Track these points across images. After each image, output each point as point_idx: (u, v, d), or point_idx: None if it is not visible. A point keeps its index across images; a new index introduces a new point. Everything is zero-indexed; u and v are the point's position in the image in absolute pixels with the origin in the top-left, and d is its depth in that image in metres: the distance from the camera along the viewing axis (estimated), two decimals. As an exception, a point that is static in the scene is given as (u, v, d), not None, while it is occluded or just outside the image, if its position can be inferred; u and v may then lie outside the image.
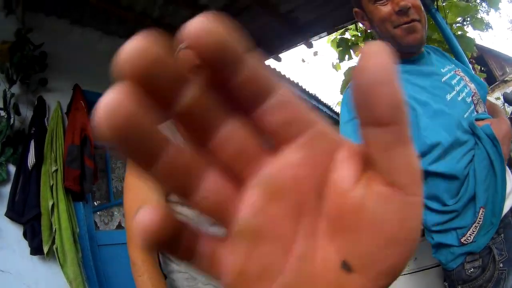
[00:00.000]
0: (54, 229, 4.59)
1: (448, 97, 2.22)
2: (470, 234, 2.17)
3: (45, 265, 4.59)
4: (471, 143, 2.16)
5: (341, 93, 7.87)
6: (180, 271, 2.17)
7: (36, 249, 4.51)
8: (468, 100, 2.29)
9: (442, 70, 2.36)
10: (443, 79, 2.30)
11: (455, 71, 2.40)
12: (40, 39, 5.22)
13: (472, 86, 2.42)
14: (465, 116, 2.20)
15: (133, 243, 2.08)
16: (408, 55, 2.30)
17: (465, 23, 8.57)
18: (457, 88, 2.30)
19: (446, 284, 2.49)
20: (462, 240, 2.19)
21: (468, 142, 2.15)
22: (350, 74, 7.51)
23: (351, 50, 7.84)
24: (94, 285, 5.02)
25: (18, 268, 4.41)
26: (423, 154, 2.10)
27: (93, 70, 6.05)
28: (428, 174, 2.12)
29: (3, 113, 4.73)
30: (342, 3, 6.70)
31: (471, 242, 2.18)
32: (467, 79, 2.44)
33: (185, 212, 1.92)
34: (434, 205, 2.19)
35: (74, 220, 4.86)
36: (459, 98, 2.26)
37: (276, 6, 6.54)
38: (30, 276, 4.46)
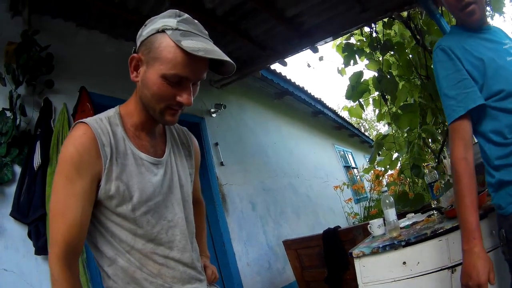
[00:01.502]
0: (59, 230, 4.60)
1: (508, 59, 2.71)
2: None
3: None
4: None
5: (346, 98, 7.88)
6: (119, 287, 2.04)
7: (40, 249, 4.52)
8: None
9: (504, 41, 2.87)
10: (504, 47, 2.80)
11: None
12: (47, 41, 5.26)
13: None
14: None
15: (52, 252, 1.87)
16: (477, 27, 2.91)
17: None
18: None
19: (503, 230, 2.62)
20: None
21: None
22: (355, 79, 7.53)
23: (356, 55, 7.84)
24: (98, 285, 5.02)
25: (22, 267, 4.44)
26: (489, 96, 2.65)
27: (100, 72, 6.10)
28: (492, 109, 2.66)
29: (9, 114, 4.76)
30: (347, 8, 6.74)
31: None
32: None
33: (123, 210, 1.99)
34: (496, 138, 2.61)
35: (79, 220, 4.87)
36: None
37: (282, 10, 6.57)
38: (34, 276, 4.49)
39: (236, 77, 8.86)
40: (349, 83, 7.65)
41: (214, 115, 8.63)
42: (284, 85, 11.17)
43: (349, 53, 7.80)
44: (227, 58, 2.00)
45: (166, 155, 2.28)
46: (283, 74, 10.85)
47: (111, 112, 2.19)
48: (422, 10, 6.99)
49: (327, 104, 14.97)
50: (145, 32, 2.06)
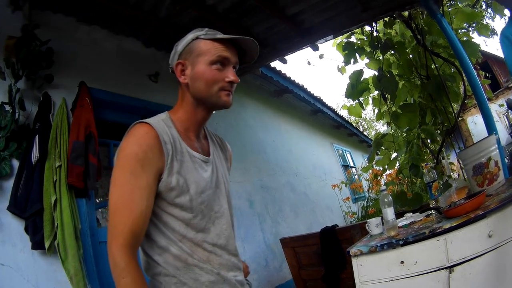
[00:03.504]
0: (56, 225, 4.61)
1: None
2: None
3: (45, 260, 4.62)
4: None
5: (346, 97, 7.89)
6: (167, 274, 2.20)
7: (37, 244, 4.53)
8: None
9: None
10: None
11: None
12: (47, 35, 5.27)
13: None
14: None
15: (117, 243, 2.00)
16: None
17: (470, 29, 8.57)
18: None
19: None
20: None
21: None
22: (355, 77, 7.54)
23: (356, 54, 7.84)
24: (94, 281, 5.04)
25: (18, 262, 4.44)
26: None
27: (99, 68, 6.11)
28: None
29: (8, 108, 4.75)
30: (349, 7, 6.73)
31: None
32: None
33: (182, 201, 2.23)
34: None
35: (77, 216, 4.88)
36: None
37: (283, 8, 6.56)
38: (31, 271, 4.49)
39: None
40: (349, 81, 7.66)
41: (213, 112, 8.58)
42: (283, 83, 11.20)
43: (350, 51, 7.80)
44: (250, 38, 2.40)
45: (211, 155, 2.56)
46: (282, 72, 10.87)
47: (163, 115, 2.45)
48: (423, 10, 6.99)
49: (326, 103, 14.99)
50: (180, 46, 2.44)
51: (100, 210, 5.89)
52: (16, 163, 4.80)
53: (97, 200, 6.05)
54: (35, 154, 4.73)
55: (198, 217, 2.27)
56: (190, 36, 2.41)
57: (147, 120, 2.31)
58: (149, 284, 2.17)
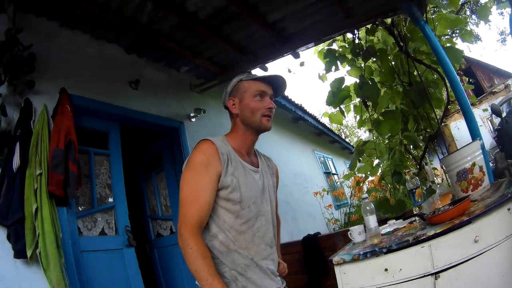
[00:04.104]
0: (37, 233, 4.56)
1: None
2: None
3: (28, 269, 4.57)
4: None
5: (327, 104, 7.86)
6: (213, 256, 2.77)
7: (19, 253, 4.48)
8: None
9: None
10: None
11: None
12: (29, 39, 5.22)
13: None
14: None
15: (186, 225, 2.68)
16: None
17: (454, 35, 8.59)
18: None
19: None
20: None
21: None
22: (336, 85, 7.52)
23: (338, 61, 7.83)
24: (73, 274, 5.01)
25: (1, 270, 4.38)
26: None
27: (80, 74, 6.07)
28: None
29: (-11, 114, 4.68)
30: (331, 14, 6.73)
31: None
32: None
33: (234, 196, 2.89)
34: None
35: (58, 225, 4.83)
36: None
37: (264, 15, 6.55)
38: (13, 280, 4.43)
39: (216, 81, 8.81)
40: (330, 89, 7.64)
41: (193, 119, 8.59)
42: (264, 91, 11.00)
43: (331, 59, 7.80)
44: (280, 76, 3.20)
45: (260, 167, 3.27)
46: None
47: (220, 137, 3.16)
48: (406, 17, 6.99)
49: (307, 110, 14.97)
50: (229, 87, 3.25)
51: (81, 219, 5.82)
52: (-3, 170, 4.72)
53: (79, 208, 5.98)
54: (16, 161, 4.69)
55: (245, 210, 2.91)
56: (235, 80, 3.23)
57: (209, 138, 3.02)
58: None
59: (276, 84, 3.25)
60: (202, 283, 2.56)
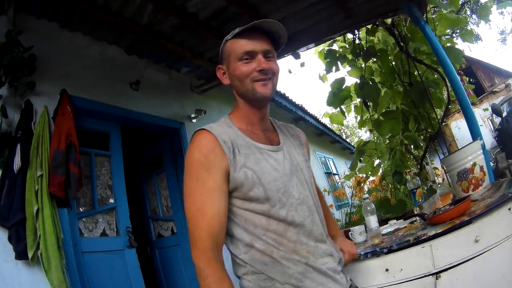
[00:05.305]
0: (38, 235, 4.56)
1: None
2: None
3: (29, 270, 4.57)
4: None
5: (327, 105, 7.85)
6: (255, 272, 2.25)
7: (21, 254, 4.48)
8: None
9: None
10: None
11: None
12: (30, 41, 5.22)
13: None
14: None
15: (195, 248, 2.15)
16: None
17: (454, 35, 8.58)
18: None
19: None
20: None
21: None
22: (337, 85, 7.52)
23: (338, 62, 7.83)
24: (74, 276, 5.01)
25: (2, 272, 4.38)
26: None
27: (81, 75, 6.06)
28: None
29: (-10, 116, 4.68)
30: (331, 14, 6.71)
31: None
32: None
33: (256, 193, 2.26)
34: None
35: (59, 226, 4.82)
36: None
37: (265, 16, 6.53)
38: (15, 281, 4.44)
39: (217, 82, 8.72)
40: (330, 89, 7.64)
41: (194, 120, 8.58)
42: (264, 91, 11.01)
43: (331, 59, 7.79)
44: (267, 20, 2.43)
45: (282, 144, 2.60)
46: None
47: (223, 118, 2.61)
48: (406, 17, 6.99)
49: (308, 111, 14.96)
50: (219, 53, 2.62)
51: (82, 220, 5.83)
52: (-2, 172, 4.73)
53: (80, 209, 5.99)
54: (17, 162, 4.68)
55: (277, 206, 2.28)
56: (223, 41, 2.56)
57: (204, 126, 2.42)
58: (239, 285, 2.31)
59: (270, 32, 2.52)
60: None
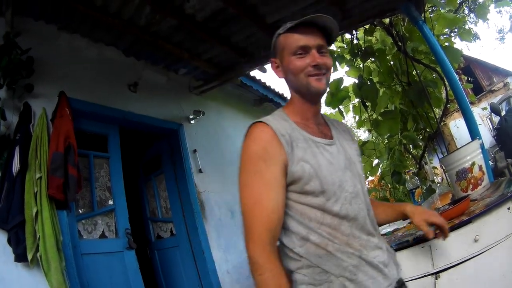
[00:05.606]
0: (38, 237, 4.56)
1: None
2: None
3: (29, 272, 4.56)
4: None
5: (326, 105, 7.87)
6: (310, 265, 2.22)
7: (20, 256, 4.49)
8: None
9: None
10: None
11: None
12: (28, 43, 5.22)
13: None
14: None
15: (253, 241, 2.13)
16: None
17: (452, 34, 8.58)
18: None
19: None
20: None
21: None
22: (335, 86, 7.52)
23: (336, 62, 7.84)
24: (73, 278, 5.01)
25: (2, 274, 4.39)
26: None
27: (79, 77, 6.06)
28: None
29: (-11, 118, 4.68)
30: (328, 15, 6.68)
31: None
32: None
33: (312, 187, 2.24)
34: None
35: (58, 228, 4.82)
36: None
37: (263, 17, 6.53)
38: (14, 283, 4.44)
39: (215, 83, 8.81)
40: (328, 89, 7.64)
41: (192, 121, 8.58)
42: (263, 92, 11.19)
43: (329, 59, 7.79)
44: (320, 16, 2.40)
45: (334, 137, 2.59)
46: (262, 80, 10.86)
47: (277, 112, 2.59)
48: (404, 17, 6.99)
49: (306, 111, 14.96)
50: (272, 46, 2.63)
51: (82, 222, 5.83)
52: (-4, 174, 4.73)
53: (79, 211, 5.99)
54: (16, 165, 4.68)
55: (332, 199, 2.27)
56: (275, 35, 2.57)
57: (261, 118, 2.42)
58: (292, 279, 2.25)
59: (323, 27, 2.50)
60: None
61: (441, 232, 2.65)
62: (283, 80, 2.60)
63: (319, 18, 2.40)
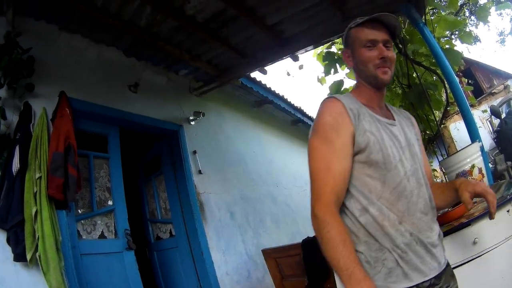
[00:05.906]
0: (37, 237, 4.55)
1: None
2: None
3: (28, 272, 4.55)
4: None
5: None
6: (366, 239, 2.38)
7: (19, 256, 4.48)
8: None
9: None
10: None
11: None
12: (28, 43, 5.22)
13: None
14: None
15: (320, 202, 2.32)
16: None
17: (453, 36, 8.57)
18: None
19: None
20: None
21: None
22: (335, 88, 7.51)
23: (337, 64, 7.84)
24: (72, 276, 5.01)
25: (1, 274, 4.38)
26: None
27: (79, 77, 6.06)
28: None
29: (-11, 117, 4.68)
30: (329, 16, 6.70)
31: None
32: None
33: (376, 157, 2.46)
34: None
35: (57, 228, 4.82)
36: None
37: (263, 18, 6.54)
38: (13, 283, 4.43)
39: (215, 84, 8.80)
40: (329, 92, 7.64)
41: (192, 122, 8.58)
42: (263, 93, 11.15)
43: (330, 61, 7.80)
44: (385, 14, 2.65)
45: (396, 120, 2.80)
46: (262, 82, 10.82)
47: (346, 93, 2.81)
48: (405, 19, 6.98)
49: (307, 113, 14.93)
50: (343, 38, 2.91)
51: (81, 222, 5.82)
52: (-4, 174, 4.72)
53: (79, 211, 5.98)
54: (15, 164, 4.68)
55: (392, 172, 2.44)
56: (347, 28, 2.82)
57: (333, 95, 2.78)
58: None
59: (388, 24, 2.73)
60: (342, 273, 2.15)
61: (488, 206, 2.49)
62: (354, 68, 2.85)
63: (384, 16, 2.65)
